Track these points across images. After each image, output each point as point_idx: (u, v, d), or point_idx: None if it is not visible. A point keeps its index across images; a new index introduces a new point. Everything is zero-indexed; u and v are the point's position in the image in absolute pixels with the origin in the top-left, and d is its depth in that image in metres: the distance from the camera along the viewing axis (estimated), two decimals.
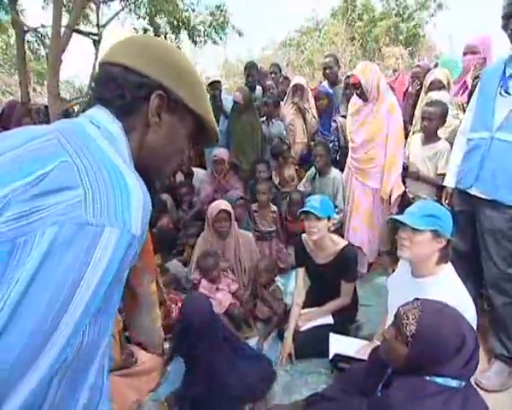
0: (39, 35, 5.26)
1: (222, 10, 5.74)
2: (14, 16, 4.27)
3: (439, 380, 0.98)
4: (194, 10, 5.65)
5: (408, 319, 1.06)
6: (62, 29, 3.61)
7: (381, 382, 1.16)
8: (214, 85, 3.52)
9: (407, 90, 3.35)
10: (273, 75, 4.15)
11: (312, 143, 3.35)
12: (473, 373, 1.02)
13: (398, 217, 1.46)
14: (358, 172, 2.78)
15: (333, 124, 3.28)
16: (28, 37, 5.02)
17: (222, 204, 2.43)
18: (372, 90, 2.57)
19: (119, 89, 0.61)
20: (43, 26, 4.74)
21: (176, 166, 0.73)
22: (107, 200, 0.48)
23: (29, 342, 0.43)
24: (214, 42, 5.94)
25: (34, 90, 8.76)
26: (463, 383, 1.00)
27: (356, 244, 2.70)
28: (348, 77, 3.19)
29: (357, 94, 2.65)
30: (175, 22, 5.33)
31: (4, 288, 0.43)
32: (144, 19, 5.60)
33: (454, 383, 0.98)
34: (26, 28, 4.38)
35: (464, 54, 2.77)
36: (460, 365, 0.98)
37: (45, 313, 0.44)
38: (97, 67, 0.66)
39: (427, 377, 1.00)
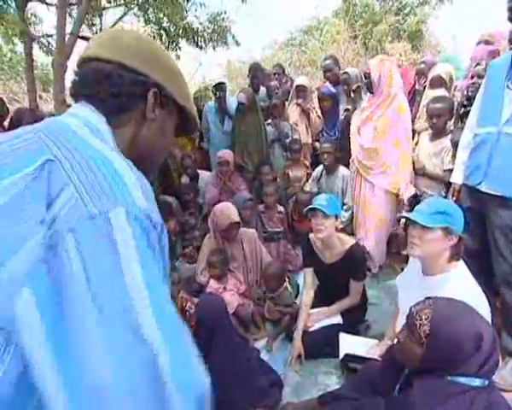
0: (46, 43, 5.33)
1: (223, 18, 5.77)
2: (21, 26, 4.34)
3: (462, 380, 0.96)
4: (196, 16, 5.70)
5: (421, 320, 1.05)
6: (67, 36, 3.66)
7: (397, 382, 1.15)
8: (219, 87, 3.52)
9: (413, 86, 3.33)
10: (277, 76, 4.15)
11: (317, 142, 3.35)
12: (495, 371, 0.99)
13: (408, 215, 1.45)
14: (364, 168, 2.74)
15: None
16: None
17: (231, 215, 2.33)
18: (380, 85, 2.54)
19: (113, 86, 0.62)
20: (48, 35, 4.82)
21: (164, 157, 0.78)
22: (100, 187, 0.48)
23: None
24: (214, 47, 5.96)
25: (40, 97, 8.87)
26: (486, 382, 0.98)
27: (366, 244, 2.69)
28: (345, 73, 3.24)
29: (365, 84, 2.67)
30: (180, 29, 5.38)
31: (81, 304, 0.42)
32: (155, 24, 5.65)
33: (477, 382, 0.96)
34: (33, 37, 4.45)
35: (478, 43, 2.72)
36: (479, 362, 0.96)
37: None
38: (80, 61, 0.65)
39: (449, 377, 0.98)
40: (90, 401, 0.39)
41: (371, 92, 2.64)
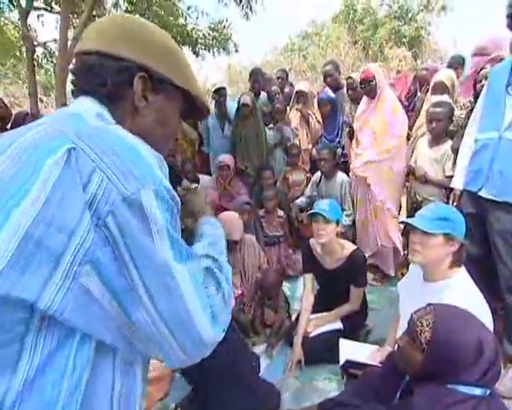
0: (48, 49, 5.36)
1: (224, 26, 5.78)
2: (24, 32, 4.37)
3: (463, 388, 0.95)
4: (196, 23, 5.72)
5: (422, 326, 1.04)
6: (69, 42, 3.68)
7: (398, 388, 1.14)
8: (219, 92, 3.53)
9: (409, 90, 3.34)
10: (280, 80, 4.16)
11: (316, 147, 3.36)
12: (496, 380, 0.98)
13: (409, 220, 1.44)
14: (365, 171, 2.74)
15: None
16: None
17: (232, 232, 2.24)
18: (381, 87, 2.64)
19: (99, 77, 0.59)
20: (48, 42, 4.86)
21: (172, 146, 0.73)
22: (127, 168, 0.50)
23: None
24: (214, 54, 5.98)
25: (41, 100, 8.90)
26: (488, 392, 0.97)
27: (385, 244, 2.72)
28: (349, 78, 3.25)
29: (365, 90, 2.69)
30: (178, 37, 5.39)
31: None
32: None
33: (478, 391, 0.95)
34: (35, 43, 4.48)
35: (474, 55, 2.74)
36: (481, 370, 0.95)
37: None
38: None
39: (449, 385, 0.97)
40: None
41: (372, 97, 2.66)
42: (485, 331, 1.01)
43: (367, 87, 2.67)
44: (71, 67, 0.64)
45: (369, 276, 2.61)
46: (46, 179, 0.46)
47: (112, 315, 0.51)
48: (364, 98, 2.80)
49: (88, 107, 0.59)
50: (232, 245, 2.30)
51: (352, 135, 2.97)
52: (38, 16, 4.95)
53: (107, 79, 0.59)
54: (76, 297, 0.47)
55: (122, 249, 0.49)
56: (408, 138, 2.85)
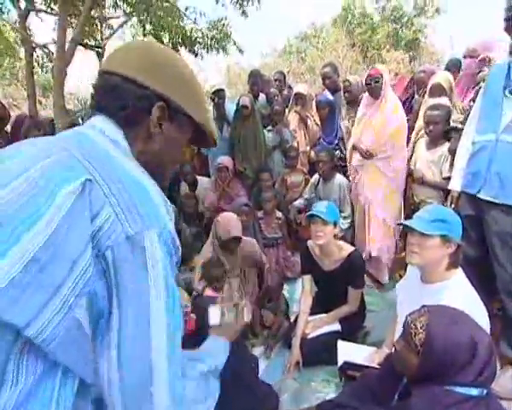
0: (47, 51, 5.36)
1: (224, 24, 5.79)
2: (23, 34, 4.37)
3: (460, 389, 0.96)
4: (195, 22, 5.72)
5: (416, 328, 1.04)
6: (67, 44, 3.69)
7: (396, 390, 1.14)
8: (218, 94, 3.54)
9: (406, 91, 3.35)
10: (277, 82, 4.18)
11: (314, 149, 3.37)
12: (492, 380, 0.99)
13: (407, 222, 1.45)
14: (368, 171, 2.75)
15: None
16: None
17: (232, 229, 2.25)
18: (386, 88, 2.63)
19: (120, 100, 0.61)
20: (48, 43, 4.86)
21: (173, 169, 0.76)
22: (135, 208, 0.51)
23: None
24: (209, 51, 5.96)
25: (39, 102, 8.89)
26: (485, 392, 0.97)
27: (374, 254, 2.71)
28: (346, 80, 3.26)
29: (370, 88, 2.67)
30: (177, 37, 5.40)
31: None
32: (150, 34, 5.67)
33: (475, 391, 0.96)
34: (34, 45, 4.48)
35: (464, 57, 2.77)
36: (476, 371, 0.95)
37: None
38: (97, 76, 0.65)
39: (447, 387, 0.98)
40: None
41: (376, 97, 2.66)
42: (479, 332, 1.02)
43: (372, 85, 2.64)
44: (94, 83, 0.65)
45: (367, 278, 2.61)
46: (59, 207, 0.47)
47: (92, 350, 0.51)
48: (365, 100, 2.79)
49: (106, 131, 0.60)
50: (231, 244, 2.30)
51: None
52: (37, 12, 4.91)
53: (128, 103, 0.61)
54: (68, 329, 0.47)
55: (112, 287, 0.49)
56: (407, 141, 2.86)
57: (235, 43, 5.88)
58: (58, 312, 0.46)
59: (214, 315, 0.89)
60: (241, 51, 6.03)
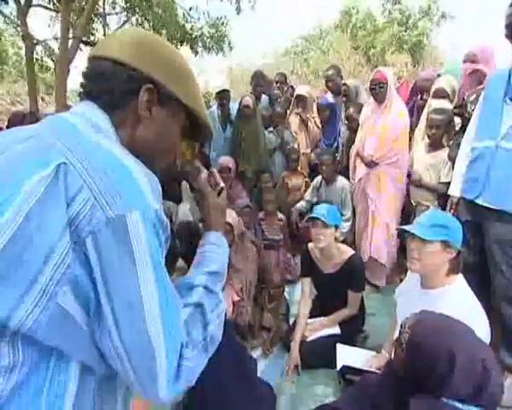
0: (48, 47, 5.38)
1: (223, 23, 5.80)
2: (24, 30, 4.39)
3: (459, 405, 0.96)
4: (194, 21, 5.74)
5: (404, 327, 1.11)
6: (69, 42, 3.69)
7: (394, 397, 1.15)
8: (223, 94, 3.54)
9: (410, 98, 3.36)
10: (279, 84, 4.18)
11: (314, 151, 3.37)
12: (497, 402, 0.98)
13: (407, 227, 1.45)
14: (373, 176, 2.74)
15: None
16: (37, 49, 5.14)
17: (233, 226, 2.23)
18: (391, 93, 2.62)
19: (107, 83, 0.60)
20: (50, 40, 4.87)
21: (168, 163, 0.72)
22: (116, 189, 0.49)
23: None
24: (208, 51, 5.96)
25: (43, 99, 8.92)
26: None
27: (375, 257, 2.71)
28: (344, 84, 3.27)
29: (374, 93, 2.65)
30: (177, 34, 5.42)
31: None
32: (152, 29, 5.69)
33: None
34: (35, 41, 4.50)
35: (464, 61, 2.77)
36: (464, 385, 0.95)
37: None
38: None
39: (444, 399, 0.98)
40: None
41: (380, 102, 2.64)
42: (464, 346, 1.01)
43: (377, 90, 2.60)
44: (83, 70, 0.64)
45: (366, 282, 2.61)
46: (30, 194, 0.46)
47: (88, 335, 0.50)
48: (370, 104, 2.79)
49: (87, 114, 0.58)
50: (229, 230, 2.26)
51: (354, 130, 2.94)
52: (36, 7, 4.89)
53: (115, 86, 0.60)
54: (52, 316, 0.47)
55: (97, 274, 0.48)
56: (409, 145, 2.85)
57: (229, 44, 5.90)
58: (38, 302, 0.45)
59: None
60: (231, 48, 6.04)
